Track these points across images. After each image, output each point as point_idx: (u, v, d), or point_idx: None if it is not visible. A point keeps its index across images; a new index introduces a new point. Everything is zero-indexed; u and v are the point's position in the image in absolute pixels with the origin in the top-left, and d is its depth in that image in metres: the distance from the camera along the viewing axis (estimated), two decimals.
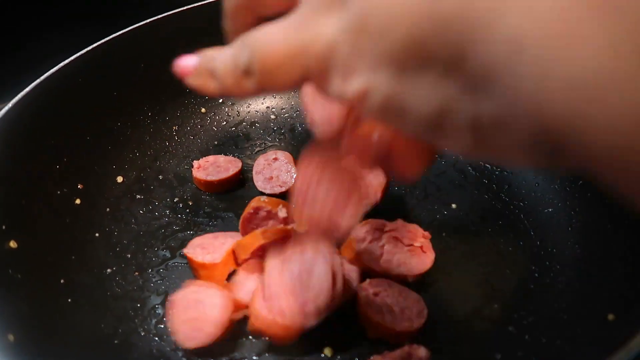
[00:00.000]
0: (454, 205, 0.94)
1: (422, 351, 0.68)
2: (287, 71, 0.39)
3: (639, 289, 0.64)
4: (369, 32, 0.33)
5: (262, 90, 0.42)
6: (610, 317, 0.63)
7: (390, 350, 0.69)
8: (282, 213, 0.84)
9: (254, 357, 0.74)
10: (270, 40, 0.39)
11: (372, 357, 0.69)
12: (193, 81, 0.49)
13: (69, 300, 0.78)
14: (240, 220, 0.88)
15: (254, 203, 0.87)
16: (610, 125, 0.24)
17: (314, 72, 0.39)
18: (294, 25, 0.39)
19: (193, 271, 0.85)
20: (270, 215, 0.86)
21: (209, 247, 0.85)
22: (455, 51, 0.29)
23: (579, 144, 0.26)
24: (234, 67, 0.43)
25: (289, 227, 0.82)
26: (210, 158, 1.06)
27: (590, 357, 0.58)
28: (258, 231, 0.79)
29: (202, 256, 0.83)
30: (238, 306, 0.75)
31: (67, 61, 0.94)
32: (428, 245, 0.82)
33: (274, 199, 0.88)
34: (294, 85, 0.41)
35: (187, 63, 0.50)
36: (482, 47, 0.28)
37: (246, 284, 0.78)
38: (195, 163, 1.04)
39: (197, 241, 0.87)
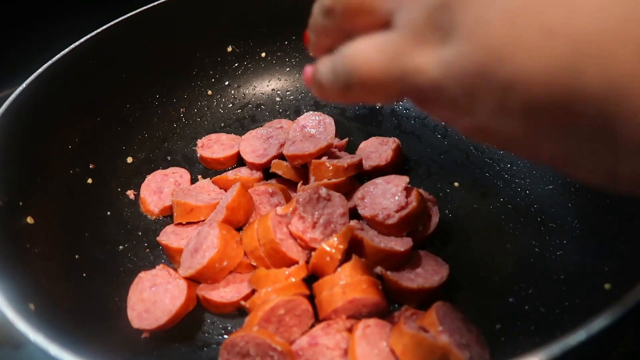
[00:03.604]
0: (456, 184, 0.96)
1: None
2: (385, 91, 0.41)
3: (634, 261, 0.66)
4: (487, 80, 0.32)
5: (363, 100, 0.44)
6: (607, 286, 0.65)
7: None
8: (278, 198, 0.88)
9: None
10: (367, 62, 0.40)
11: (393, 314, 0.74)
12: (313, 90, 0.50)
13: (84, 274, 0.81)
14: None
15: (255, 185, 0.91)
16: None
17: (413, 97, 0.40)
18: (391, 50, 0.38)
19: (169, 258, 0.87)
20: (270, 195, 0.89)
21: (182, 234, 0.87)
22: (601, 123, 0.30)
23: None
24: (335, 82, 0.44)
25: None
26: (213, 136, 1.08)
27: (587, 325, 0.61)
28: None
29: (177, 242, 0.85)
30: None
31: (77, 44, 0.95)
32: (434, 209, 0.86)
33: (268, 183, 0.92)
34: (392, 101, 0.42)
35: (306, 73, 0.52)
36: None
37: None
38: (199, 142, 1.06)
39: (169, 229, 0.89)
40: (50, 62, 0.91)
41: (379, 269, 0.76)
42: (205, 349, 0.76)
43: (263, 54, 1.19)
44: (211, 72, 1.16)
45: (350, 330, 0.70)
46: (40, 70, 0.89)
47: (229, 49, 1.16)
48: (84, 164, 0.94)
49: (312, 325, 0.74)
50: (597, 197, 0.80)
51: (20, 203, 0.78)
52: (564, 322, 0.69)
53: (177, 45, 1.10)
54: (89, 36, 0.97)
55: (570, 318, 0.68)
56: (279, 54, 1.19)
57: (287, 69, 1.20)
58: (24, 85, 0.86)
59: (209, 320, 0.79)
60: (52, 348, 0.51)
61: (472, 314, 0.73)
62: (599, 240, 0.75)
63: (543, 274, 0.78)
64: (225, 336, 0.77)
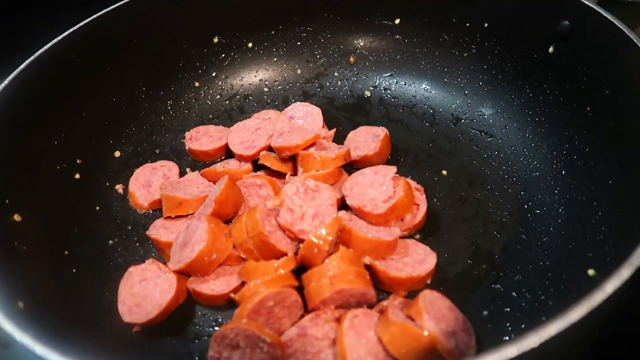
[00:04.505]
0: (444, 172, 0.96)
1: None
2: None
3: (617, 247, 0.66)
4: None
5: None
6: (591, 272, 0.66)
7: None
8: (266, 190, 0.88)
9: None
10: None
11: (382, 303, 0.75)
12: None
13: (74, 270, 0.81)
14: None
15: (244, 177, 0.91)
16: None
17: None
18: None
19: (159, 252, 0.88)
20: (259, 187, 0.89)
21: (171, 227, 0.87)
22: None
23: None
24: None
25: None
26: (201, 128, 1.08)
27: (570, 309, 0.61)
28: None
29: (167, 236, 0.85)
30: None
31: (61, 37, 0.94)
32: (421, 199, 0.86)
33: (258, 174, 0.92)
34: None
35: None
36: None
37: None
38: (187, 134, 1.06)
39: (159, 222, 0.90)
40: (33, 56, 0.90)
41: (367, 259, 0.76)
42: (196, 341, 0.77)
43: (250, 44, 1.18)
44: (198, 64, 1.15)
45: (338, 320, 0.71)
46: (23, 64, 0.88)
47: (215, 39, 1.15)
48: (71, 159, 0.93)
49: (302, 316, 0.74)
50: (583, 184, 0.81)
51: (7, 200, 0.77)
52: (550, 307, 0.70)
53: (163, 37, 1.09)
54: (73, 29, 0.96)
55: (556, 304, 0.69)
56: (265, 43, 1.18)
57: (275, 59, 1.19)
58: (7, 81, 0.85)
59: (199, 313, 0.80)
60: (38, 347, 0.51)
61: (459, 302, 0.73)
62: (583, 227, 0.76)
63: (529, 261, 0.79)
64: (216, 328, 0.78)
